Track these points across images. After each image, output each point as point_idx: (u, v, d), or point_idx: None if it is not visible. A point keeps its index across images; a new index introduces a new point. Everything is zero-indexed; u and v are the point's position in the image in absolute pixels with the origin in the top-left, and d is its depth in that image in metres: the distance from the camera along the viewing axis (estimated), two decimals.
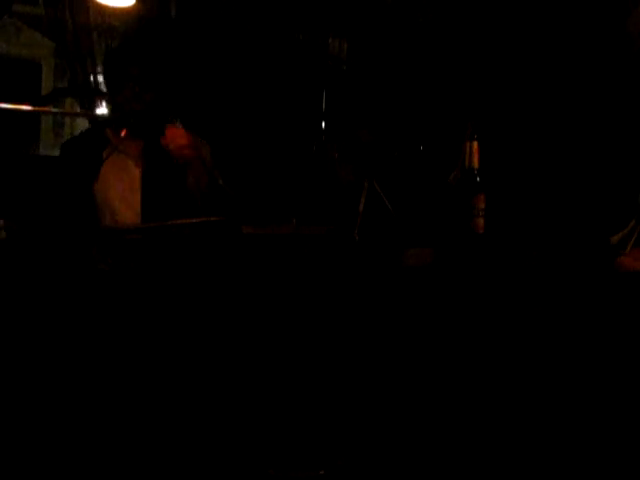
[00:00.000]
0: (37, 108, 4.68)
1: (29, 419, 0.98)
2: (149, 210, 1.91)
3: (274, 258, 1.26)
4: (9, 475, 0.85)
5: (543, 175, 2.38)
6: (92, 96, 4.21)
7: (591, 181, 2.24)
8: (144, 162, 1.95)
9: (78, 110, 4.80)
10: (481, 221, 1.46)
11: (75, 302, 1.28)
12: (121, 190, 1.94)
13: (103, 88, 4.50)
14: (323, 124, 3.33)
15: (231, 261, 1.34)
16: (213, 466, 0.87)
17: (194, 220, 1.62)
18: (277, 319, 1.15)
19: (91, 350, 1.15)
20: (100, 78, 4.34)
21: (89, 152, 1.95)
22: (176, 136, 1.86)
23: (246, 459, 0.90)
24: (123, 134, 1.91)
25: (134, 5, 3.13)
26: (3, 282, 1.29)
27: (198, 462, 0.88)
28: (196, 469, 0.87)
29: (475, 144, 1.49)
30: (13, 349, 1.15)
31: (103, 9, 3.91)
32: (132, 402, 1.02)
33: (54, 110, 4.80)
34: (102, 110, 4.20)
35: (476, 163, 1.49)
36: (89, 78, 4.19)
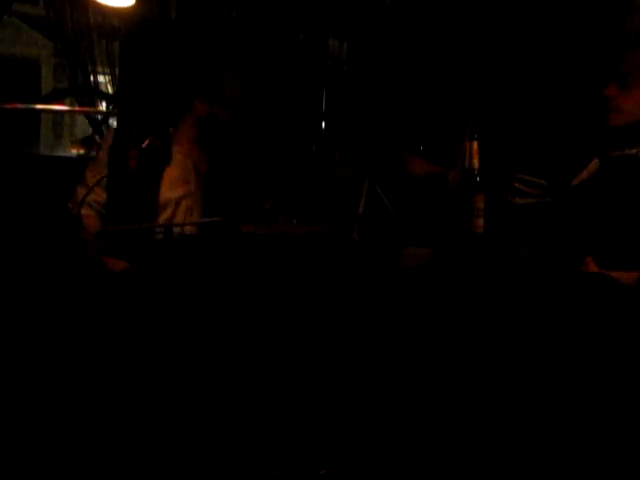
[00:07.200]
0: (37, 107, 4.69)
1: (32, 415, 0.98)
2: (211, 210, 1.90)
3: (274, 257, 1.26)
4: (8, 471, 0.85)
5: (543, 176, 2.38)
6: (92, 96, 4.21)
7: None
8: (208, 162, 1.96)
9: None
10: (481, 221, 1.46)
11: (78, 298, 1.28)
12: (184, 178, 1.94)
13: (103, 88, 4.51)
14: (323, 124, 3.33)
15: (231, 260, 1.34)
16: (213, 466, 0.87)
17: (195, 220, 1.62)
18: (276, 318, 1.15)
19: (90, 347, 1.15)
20: (100, 78, 4.34)
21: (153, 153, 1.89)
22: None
23: (246, 459, 0.90)
24: (145, 144, 1.89)
25: (134, 5, 3.13)
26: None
27: (198, 462, 0.88)
28: (196, 469, 0.87)
29: (475, 144, 1.49)
30: (23, 345, 1.16)
31: (103, 9, 3.92)
32: (132, 401, 1.02)
33: (54, 108, 4.80)
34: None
35: (476, 163, 1.49)
36: (89, 78, 4.19)
